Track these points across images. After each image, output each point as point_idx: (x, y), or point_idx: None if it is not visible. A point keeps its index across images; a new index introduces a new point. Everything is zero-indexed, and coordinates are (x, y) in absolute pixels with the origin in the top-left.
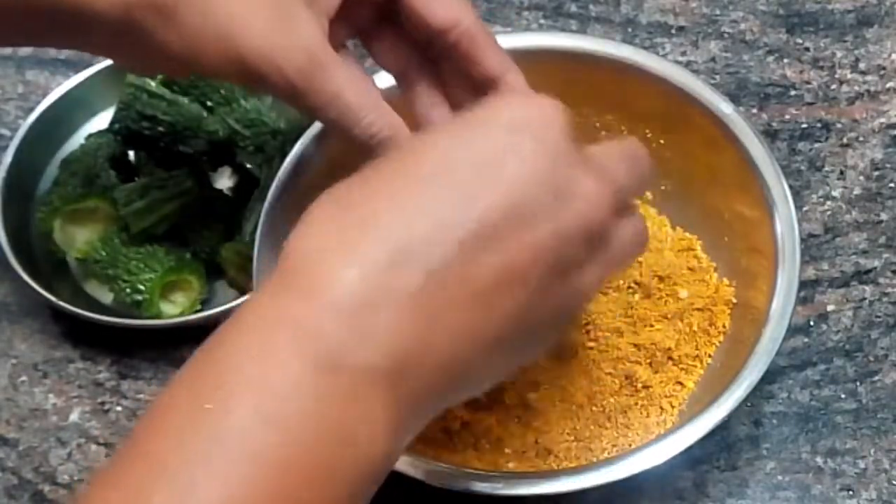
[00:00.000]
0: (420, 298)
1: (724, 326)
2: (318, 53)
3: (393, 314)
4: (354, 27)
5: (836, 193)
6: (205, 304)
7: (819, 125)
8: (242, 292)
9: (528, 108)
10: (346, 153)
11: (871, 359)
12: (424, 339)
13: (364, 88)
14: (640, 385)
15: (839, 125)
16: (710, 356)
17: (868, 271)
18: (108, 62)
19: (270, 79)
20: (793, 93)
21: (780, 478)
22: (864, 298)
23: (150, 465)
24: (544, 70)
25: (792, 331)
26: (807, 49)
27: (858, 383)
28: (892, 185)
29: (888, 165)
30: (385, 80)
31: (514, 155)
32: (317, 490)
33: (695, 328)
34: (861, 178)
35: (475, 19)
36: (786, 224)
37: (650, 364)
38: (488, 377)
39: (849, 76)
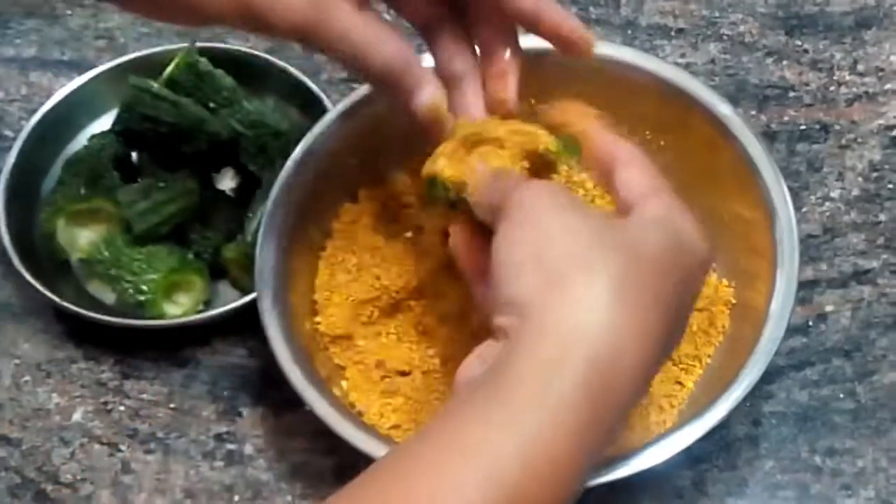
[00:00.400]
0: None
1: (723, 327)
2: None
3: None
4: None
5: (834, 194)
6: (207, 304)
7: (818, 127)
8: (245, 292)
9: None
10: (348, 154)
11: (870, 359)
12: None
13: (373, 23)
14: None
15: (838, 127)
16: (709, 356)
17: (866, 272)
18: (112, 63)
19: (275, 22)
20: (792, 94)
21: (779, 477)
22: (863, 299)
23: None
24: (545, 72)
25: (791, 331)
26: (806, 51)
27: (857, 383)
28: (890, 186)
29: (886, 167)
30: None
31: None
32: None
33: (694, 328)
34: (859, 179)
35: None
36: (785, 225)
37: None
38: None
39: (847, 78)
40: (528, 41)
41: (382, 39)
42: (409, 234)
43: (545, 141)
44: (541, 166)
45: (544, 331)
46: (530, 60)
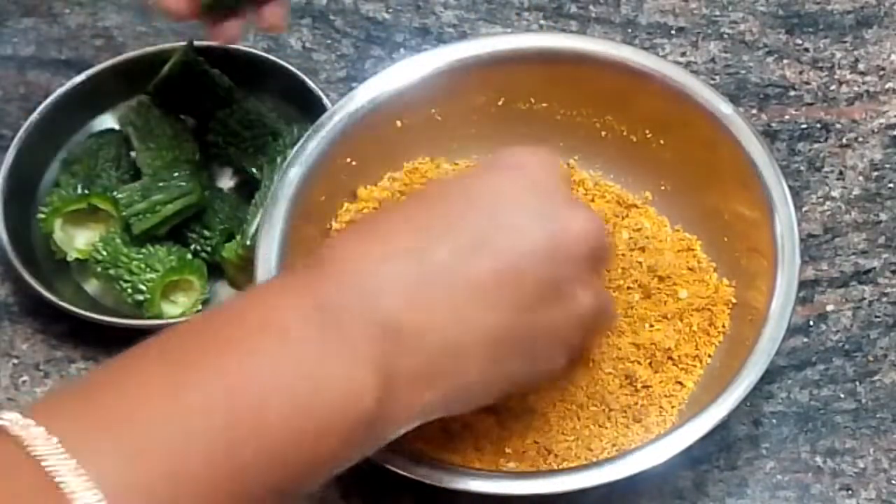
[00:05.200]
0: (421, 285)
1: (723, 326)
2: None
3: (394, 292)
4: None
5: (835, 194)
6: (206, 304)
7: (818, 126)
8: None
9: (527, 154)
10: (347, 153)
11: (871, 359)
12: (424, 318)
13: None
14: (640, 385)
15: (838, 126)
16: (709, 356)
17: (867, 271)
18: (109, 62)
19: None
20: (792, 93)
21: (779, 477)
22: (864, 298)
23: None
24: (545, 71)
25: (791, 331)
26: (806, 50)
27: (858, 383)
28: (891, 185)
29: (887, 166)
30: None
31: (511, 183)
32: (289, 427)
33: (694, 328)
34: (860, 178)
35: None
36: (785, 224)
37: (650, 364)
38: (489, 381)
39: (848, 77)
40: (526, 40)
41: None
42: None
43: None
44: None
45: None
46: (529, 59)
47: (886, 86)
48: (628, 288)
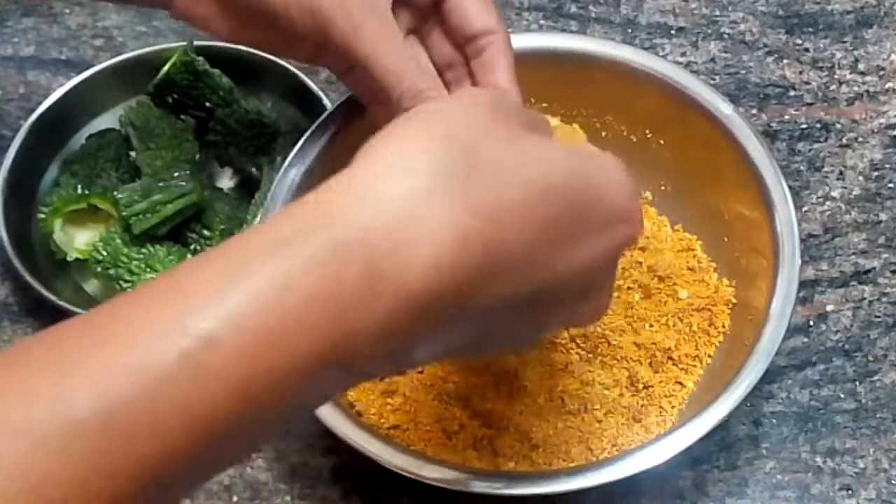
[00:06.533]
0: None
1: (723, 326)
2: (353, 12)
3: (434, 240)
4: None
5: (835, 194)
6: None
7: (818, 126)
8: None
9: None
10: (347, 153)
11: (871, 359)
12: (456, 280)
13: (401, 50)
14: (640, 385)
15: (838, 126)
16: (709, 356)
17: (867, 271)
18: (110, 62)
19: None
20: (792, 93)
21: (779, 477)
22: (864, 298)
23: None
24: (545, 71)
25: (791, 331)
26: (806, 50)
27: (858, 383)
28: (891, 185)
29: (887, 166)
30: None
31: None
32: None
33: (694, 328)
34: (860, 178)
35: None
36: (785, 224)
37: (650, 364)
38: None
39: (848, 77)
40: (526, 40)
41: (414, 69)
42: None
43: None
44: None
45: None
46: (529, 60)
47: (886, 86)
48: (628, 288)
